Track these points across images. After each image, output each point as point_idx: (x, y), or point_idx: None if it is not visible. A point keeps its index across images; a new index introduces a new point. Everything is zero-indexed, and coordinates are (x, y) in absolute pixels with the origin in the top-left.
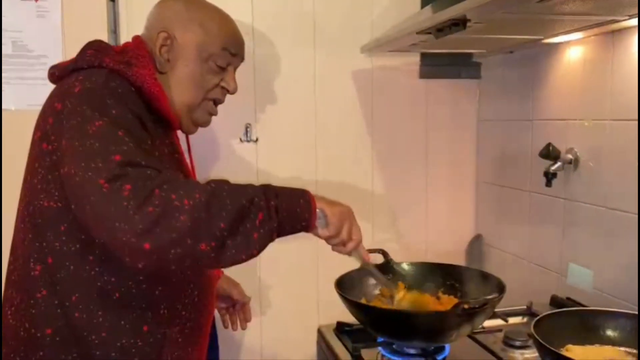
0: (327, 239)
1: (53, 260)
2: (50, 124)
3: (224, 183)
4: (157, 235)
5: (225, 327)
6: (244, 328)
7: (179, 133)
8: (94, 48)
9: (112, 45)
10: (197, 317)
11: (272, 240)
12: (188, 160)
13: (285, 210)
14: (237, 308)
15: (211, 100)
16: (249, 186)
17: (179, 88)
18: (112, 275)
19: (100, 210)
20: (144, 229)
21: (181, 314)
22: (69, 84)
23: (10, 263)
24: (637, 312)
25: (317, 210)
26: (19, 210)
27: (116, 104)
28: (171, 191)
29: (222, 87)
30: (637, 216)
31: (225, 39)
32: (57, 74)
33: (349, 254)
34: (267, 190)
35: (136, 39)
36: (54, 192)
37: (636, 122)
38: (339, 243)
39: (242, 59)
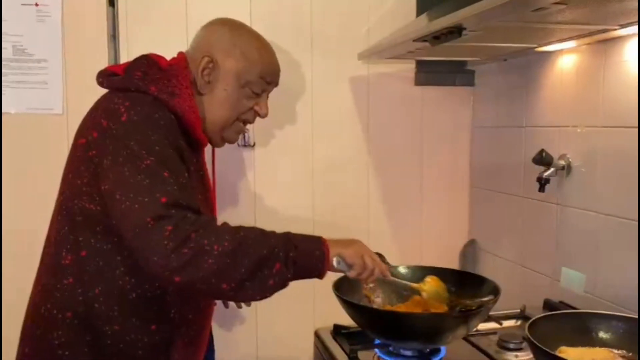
0: (358, 277)
1: (86, 254)
2: (94, 138)
3: (251, 232)
4: (187, 273)
5: (226, 307)
6: (239, 307)
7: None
8: (142, 70)
9: (159, 62)
10: (201, 320)
11: (285, 286)
12: (210, 173)
13: (302, 262)
14: None
15: (242, 121)
16: (273, 235)
17: (215, 109)
18: (132, 276)
19: (142, 242)
20: (177, 267)
21: (188, 317)
22: (116, 105)
23: (45, 247)
24: (629, 315)
25: (335, 258)
26: (57, 203)
27: (159, 140)
28: (205, 237)
29: (255, 111)
30: (633, 222)
31: (263, 68)
32: (106, 83)
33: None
34: (288, 242)
35: (181, 57)
36: (96, 197)
37: (627, 129)
38: (369, 275)
39: (276, 84)
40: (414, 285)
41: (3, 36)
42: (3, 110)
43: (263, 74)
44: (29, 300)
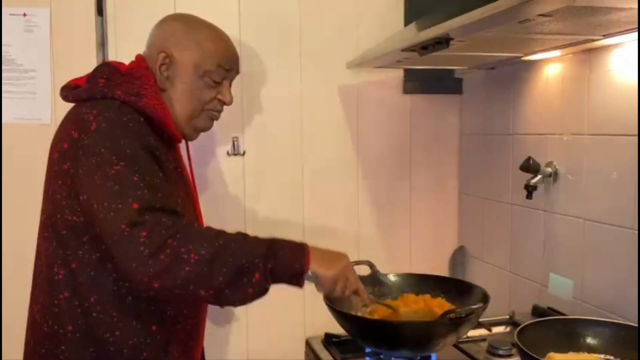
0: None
1: (76, 266)
2: (66, 149)
3: (231, 239)
4: (164, 279)
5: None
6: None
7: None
8: (104, 77)
9: (119, 67)
10: (196, 314)
11: (264, 295)
12: (189, 169)
13: (281, 273)
14: None
15: (209, 110)
16: (255, 243)
17: (179, 102)
18: (126, 280)
19: (120, 251)
20: (155, 273)
21: (183, 312)
22: (85, 115)
23: (36, 267)
24: (616, 321)
25: (309, 272)
26: (41, 220)
27: (129, 143)
28: (182, 244)
29: (219, 99)
30: (619, 228)
31: (219, 57)
32: (71, 97)
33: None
34: (269, 252)
35: (140, 58)
36: (77, 208)
37: (612, 137)
38: (337, 296)
39: (237, 72)
40: (392, 304)
41: None
42: None
43: (220, 62)
44: (27, 322)
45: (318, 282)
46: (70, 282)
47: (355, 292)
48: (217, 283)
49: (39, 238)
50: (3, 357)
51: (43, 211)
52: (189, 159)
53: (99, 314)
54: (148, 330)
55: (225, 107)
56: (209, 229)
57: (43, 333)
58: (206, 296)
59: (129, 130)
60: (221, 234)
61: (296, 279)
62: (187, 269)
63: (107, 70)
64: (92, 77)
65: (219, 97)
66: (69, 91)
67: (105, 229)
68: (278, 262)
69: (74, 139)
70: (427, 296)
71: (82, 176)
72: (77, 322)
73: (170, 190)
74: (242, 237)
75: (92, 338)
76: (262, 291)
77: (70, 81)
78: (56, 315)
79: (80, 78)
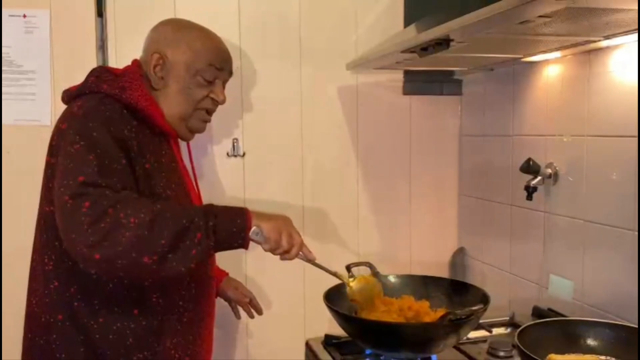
0: (271, 252)
1: (56, 257)
2: (54, 142)
3: (170, 205)
4: (105, 248)
5: (237, 318)
6: (251, 317)
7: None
8: (95, 75)
9: (113, 70)
10: (195, 308)
11: (209, 256)
12: (189, 166)
13: (223, 230)
14: (245, 302)
15: (203, 109)
16: (192, 207)
17: (172, 101)
18: (70, 257)
19: (63, 222)
20: (95, 241)
21: (178, 304)
22: (71, 108)
23: (32, 260)
24: (616, 322)
25: (254, 227)
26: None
27: (97, 127)
28: (121, 210)
29: (212, 99)
30: (619, 229)
31: (210, 56)
32: (67, 98)
33: (294, 258)
34: (208, 212)
35: (134, 62)
36: (51, 198)
37: (612, 138)
38: (283, 252)
39: (230, 73)
40: (342, 278)
41: None
42: None
43: (211, 60)
44: (25, 315)
45: (262, 237)
46: (58, 273)
47: (300, 248)
48: (160, 246)
49: (34, 232)
50: (3, 357)
51: (38, 206)
52: (190, 158)
53: (80, 303)
54: (131, 315)
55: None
56: (149, 199)
57: (39, 324)
58: (149, 264)
59: (101, 116)
60: (159, 202)
61: (240, 238)
62: (127, 234)
63: (99, 70)
64: (86, 76)
65: (212, 96)
66: (65, 93)
67: (56, 205)
68: (219, 220)
69: (61, 130)
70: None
71: (57, 162)
72: (66, 311)
73: (130, 180)
74: (180, 205)
75: (79, 326)
76: (204, 252)
77: (72, 86)
78: (48, 305)
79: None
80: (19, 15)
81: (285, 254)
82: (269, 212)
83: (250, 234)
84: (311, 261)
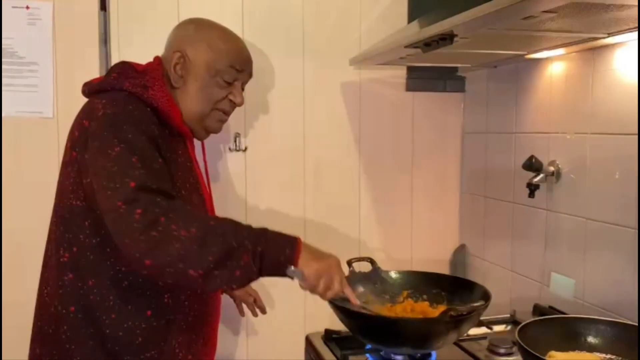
0: (306, 290)
1: (77, 250)
2: (77, 137)
3: (223, 222)
4: (155, 256)
5: (241, 315)
6: (255, 316)
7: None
8: (117, 71)
9: (134, 66)
10: (200, 307)
11: (252, 280)
12: (202, 165)
13: (269, 258)
14: (250, 301)
15: (220, 110)
16: (245, 228)
17: (190, 100)
18: (123, 265)
19: (116, 226)
20: (146, 249)
21: (184, 303)
22: (95, 105)
23: (46, 250)
24: (617, 320)
25: (294, 268)
26: (54, 205)
27: (132, 129)
28: (173, 221)
29: (230, 100)
30: (622, 228)
31: (231, 57)
32: (87, 91)
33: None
34: (259, 237)
35: (156, 59)
36: (81, 193)
37: (615, 136)
38: (317, 294)
39: (249, 75)
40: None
41: None
42: None
43: (231, 62)
44: (36, 303)
45: (300, 276)
46: (74, 265)
47: (337, 295)
48: (207, 262)
49: (50, 223)
50: (3, 357)
51: (55, 197)
52: (204, 158)
53: (95, 297)
54: (143, 316)
55: None
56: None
57: (50, 314)
58: (195, 277)
59: (132, 117)
60: (214, 217)
61: (282, 268)
62: (177, 245)
63: (121, 66)
64: (107, 72)
65: (230, 97)
66: (86, 86)
67: (104, 208)
68: (268, 246)
69: (84, 127)
70: (426, 304)
71: (87, 160)
72: (80, 303)
73: (169, 177)
74: (233, 222)
75: (91, 319)
76: (248, 276)
77: (92, 79)
78: (61, 296)
79: (101, 77)
80: (22, 7)
81: (322, 296)
82: (320, 251)
83: (287, 271)
84: (352, 305)
